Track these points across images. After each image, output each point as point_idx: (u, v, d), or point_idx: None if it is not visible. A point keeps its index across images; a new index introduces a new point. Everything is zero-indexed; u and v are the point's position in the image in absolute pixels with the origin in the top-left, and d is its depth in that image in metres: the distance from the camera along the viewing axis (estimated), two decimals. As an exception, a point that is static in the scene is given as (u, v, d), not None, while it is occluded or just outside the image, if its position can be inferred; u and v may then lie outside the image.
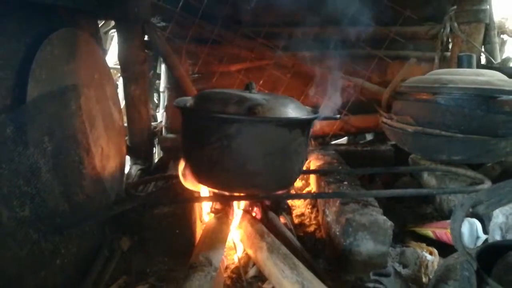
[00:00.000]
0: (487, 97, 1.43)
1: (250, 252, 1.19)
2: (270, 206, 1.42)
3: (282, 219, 1.40)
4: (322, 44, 2.09)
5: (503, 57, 2.25)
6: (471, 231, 1.25)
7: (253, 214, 1.36)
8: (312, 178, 1.76)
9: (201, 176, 1.23)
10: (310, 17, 1.93)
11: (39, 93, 1.02)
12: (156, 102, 3.02)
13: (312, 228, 1.47)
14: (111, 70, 1.75)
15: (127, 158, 1.91)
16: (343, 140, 2.47)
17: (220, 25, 2.03)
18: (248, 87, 1.25)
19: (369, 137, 2.45)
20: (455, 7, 1.94)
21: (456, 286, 0.85)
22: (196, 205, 1.37)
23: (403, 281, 0.89)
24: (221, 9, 2.02)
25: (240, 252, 1.28)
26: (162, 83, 2.46)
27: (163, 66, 2.36)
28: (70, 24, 1.31)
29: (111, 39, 3.03)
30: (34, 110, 0.99)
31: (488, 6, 1.95)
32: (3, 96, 0.90)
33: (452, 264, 0.93)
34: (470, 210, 1.01)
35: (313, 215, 1.55)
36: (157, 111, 2.91)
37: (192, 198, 1.33)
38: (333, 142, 2.29)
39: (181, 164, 1.26)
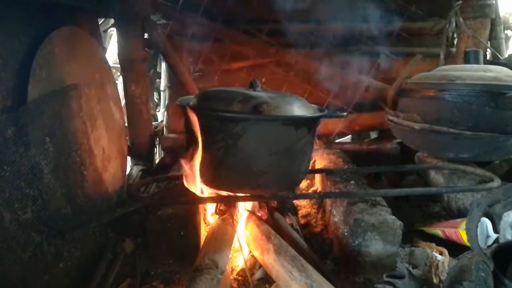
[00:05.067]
0: (495, 94, 1.40)
1: (257, 253, 1.16)
2: (276, 206, 1.40)
3: (288, 220, 1.38)
4: (326, 41, 2.06)
5: (508, 52, 2.22)
6: (481, 230, 1.22)
7: (259, 215, 1.33)
8: (317, 177, 1.74)
9: (205, 176, 1.21)
10: (314, 13, 1.90)
11: (40, 93, 1.00)
12: (157, 101, 2.99)
13: (318, 229, 1.44)
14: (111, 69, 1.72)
15: (128, 158, 1.89)
16: (347, 138, 2.44)
17: (221, 22, 2.01)
18: (252, 85, 1.22)
19: (373, 135, 2.42)
20: (460, 2, 1.90)
21: (471, 287, 0.83)
22: (201, 206, 1.34)
23: (417, 283, 0.86)
24: (223, 6, 2.00)
25: (246, 254, 1.25)
26: (163, 82, 2.43)
27: (163, 65, 2.34)
28: (70, 22, 1.29)
29: (110, 38, 3.01)
30: (35, 110, 0.97)
31: (494, 1, 1.92)
32: (3, 97, 0.88)
33: (466, 264, 0.91)
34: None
35: (319, 216, 1.52)
36: (158, 110, 2.89)
37: (196, 199, 1.30)
38: (337, 141, 2.26)
39: (184, 165, 1.23)
